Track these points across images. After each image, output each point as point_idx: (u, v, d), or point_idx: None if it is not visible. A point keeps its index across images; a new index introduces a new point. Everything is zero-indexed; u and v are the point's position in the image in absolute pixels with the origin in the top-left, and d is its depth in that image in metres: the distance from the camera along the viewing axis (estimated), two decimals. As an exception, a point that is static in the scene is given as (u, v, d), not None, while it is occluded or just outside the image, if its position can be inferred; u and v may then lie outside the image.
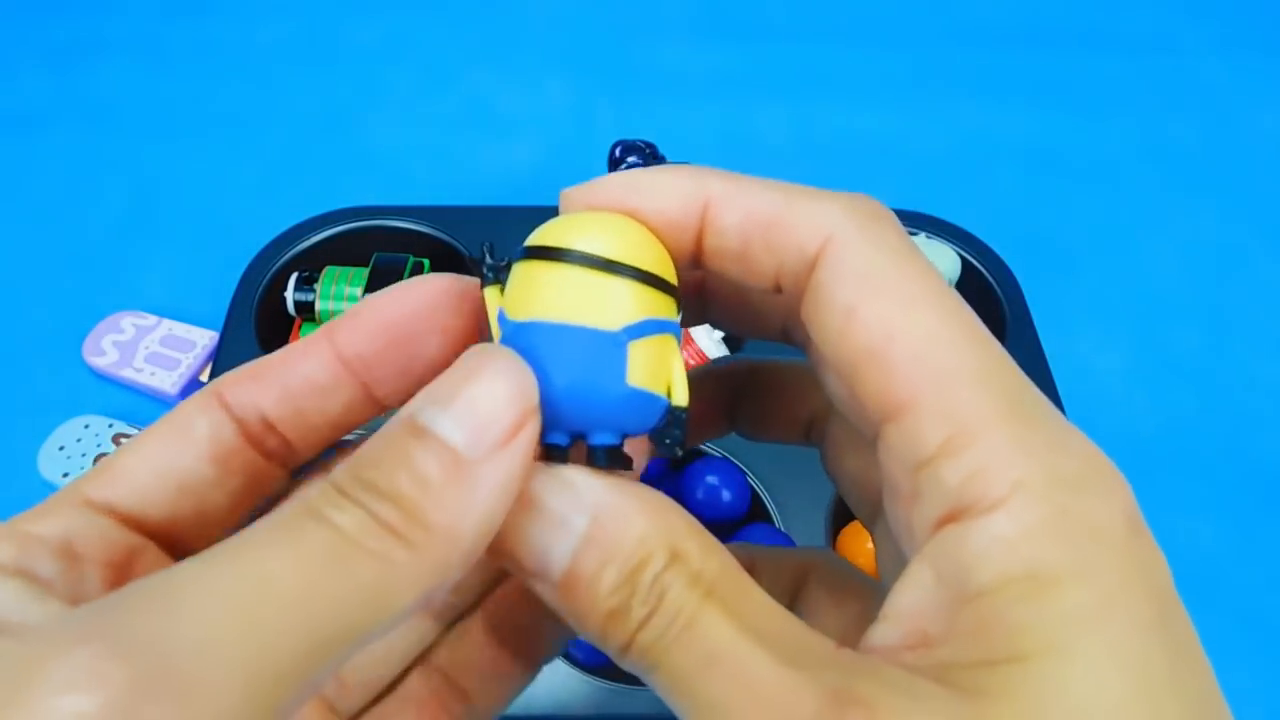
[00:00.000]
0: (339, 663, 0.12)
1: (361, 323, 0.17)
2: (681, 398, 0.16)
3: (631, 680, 0.42)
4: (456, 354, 0.15)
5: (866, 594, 0.18)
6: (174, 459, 0.16)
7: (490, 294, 0.17)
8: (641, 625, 0.14)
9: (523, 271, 0.16)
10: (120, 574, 0.15)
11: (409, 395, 0.14)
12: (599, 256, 0.16)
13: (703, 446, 0.49)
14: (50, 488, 0.53)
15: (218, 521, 0.17)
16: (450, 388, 0.14)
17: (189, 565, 0.12)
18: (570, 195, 0.17)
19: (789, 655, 0.14)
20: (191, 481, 0.16)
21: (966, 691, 0.13)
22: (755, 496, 0.47)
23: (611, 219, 0.17)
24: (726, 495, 0.45)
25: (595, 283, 0.16)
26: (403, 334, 0.17)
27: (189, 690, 0.11)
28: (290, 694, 0.12)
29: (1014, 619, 0.13)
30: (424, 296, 0.17)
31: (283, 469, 0.17)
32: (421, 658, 0.19)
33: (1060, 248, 0.66)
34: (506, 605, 0.19)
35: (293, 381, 0.17)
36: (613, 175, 0.17)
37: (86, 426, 0.54)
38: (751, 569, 0.16)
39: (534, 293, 0.16)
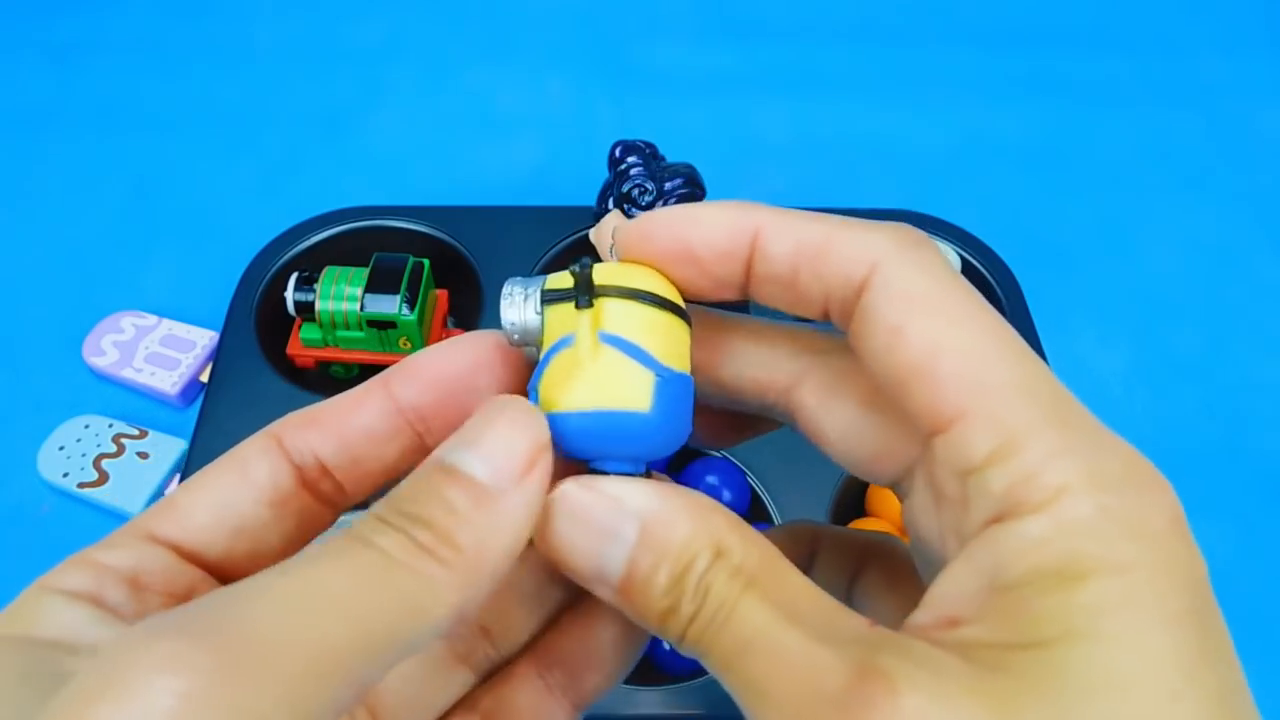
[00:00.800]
0: (385, 667, 0.14)
1: (417, 375, 0.19)
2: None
3: (632, 680, 0.42)
4: None
5: (921, 582, 0.19)
6: (232, 500, 0.18)
7: (583, 316, 0.18)
8: (691, 620, 0.16)
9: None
10: (189, 599, 0.16)
11: None
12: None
13: (703, 446, 0.49)
14: (50, 487, 0.53)
15: (270, 560, 0.18)
16: (473, 432, 0.16)
17: (256, 578, 0.14)
18: (627, 233, 0.18)
19: (821, 633, 0.15)
20: (248, 523, 0.18)
21: (987, 667, 0.14)
22: (755, 496, 0.47)
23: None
24: (726, 495, 0.45)
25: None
26: (455, 387, 0.19)
27: (262, 675, 0.13)
28: (343, 687, 0.13)
29: (1042, 606, 0.14)
30: (474, 352, 0.19)
31: (333, 511, 0.19)
32: (462, 702, 0.20)
33: (1060, 248, 0.66)
34: (554, 649, 0.20)
35: (350, 430, 0.18)
36: (662, 210, 0.18)
37: (87, 427, 0.54)
38: (816, 548, 0.19)
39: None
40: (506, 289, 0.19)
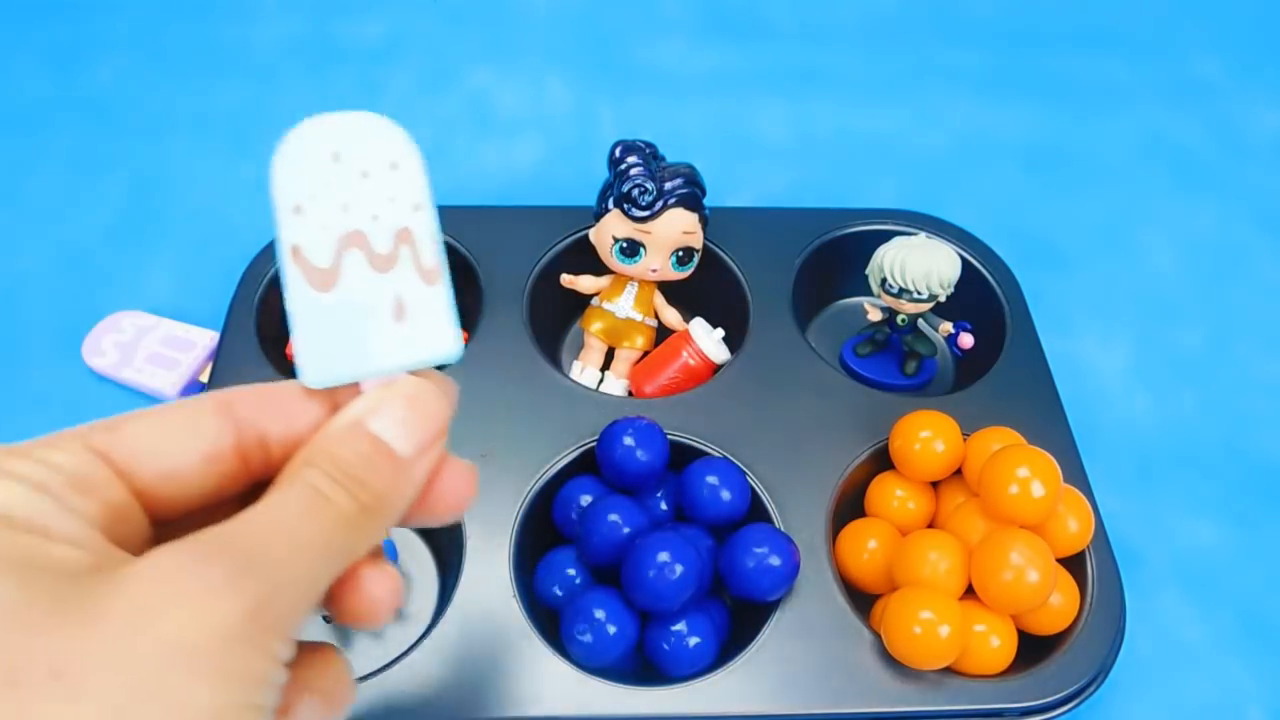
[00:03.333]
0: (329, 579, 0.20)
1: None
2: None
3: (632, 680, 0.42)
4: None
5: None
6: (174, 444, 0.21)
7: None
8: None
9: None
10: (117, 517, 0.19)
11: None
12: None
13: (703, 446, 0.49)
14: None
15: (186, 504, 0.21)
16: (397, 410, 0.22)
17: (261, 517, 0.19)
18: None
19: None
20: (180, 469, 0.21)
21: None
22: (755, 496, 0.47)
23: None
24: (726, 495, 0.45)
25: None
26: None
27: (279, 592, 0.18)
28: (317, 594, 0.20)
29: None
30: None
31: (252, 478, 0.22)
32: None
33: (1060, 248, 0.66)
34: None
35: (299, 419, 0.22)
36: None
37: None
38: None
39: None
40: None
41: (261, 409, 0.22)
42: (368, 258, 0.23)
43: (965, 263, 0.56)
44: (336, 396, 0.23)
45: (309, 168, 0.23)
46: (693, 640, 0.42)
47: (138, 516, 0.20)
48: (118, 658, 0.16)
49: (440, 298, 0.23)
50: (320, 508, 0.20)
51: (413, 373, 0.23)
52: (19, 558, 0.17)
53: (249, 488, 0.22)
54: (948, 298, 0.53)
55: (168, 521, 0.21)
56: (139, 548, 0.19)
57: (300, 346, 0.23)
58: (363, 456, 0.21)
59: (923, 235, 0.54)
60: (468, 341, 0.54)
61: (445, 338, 0.23)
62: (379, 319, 0.23)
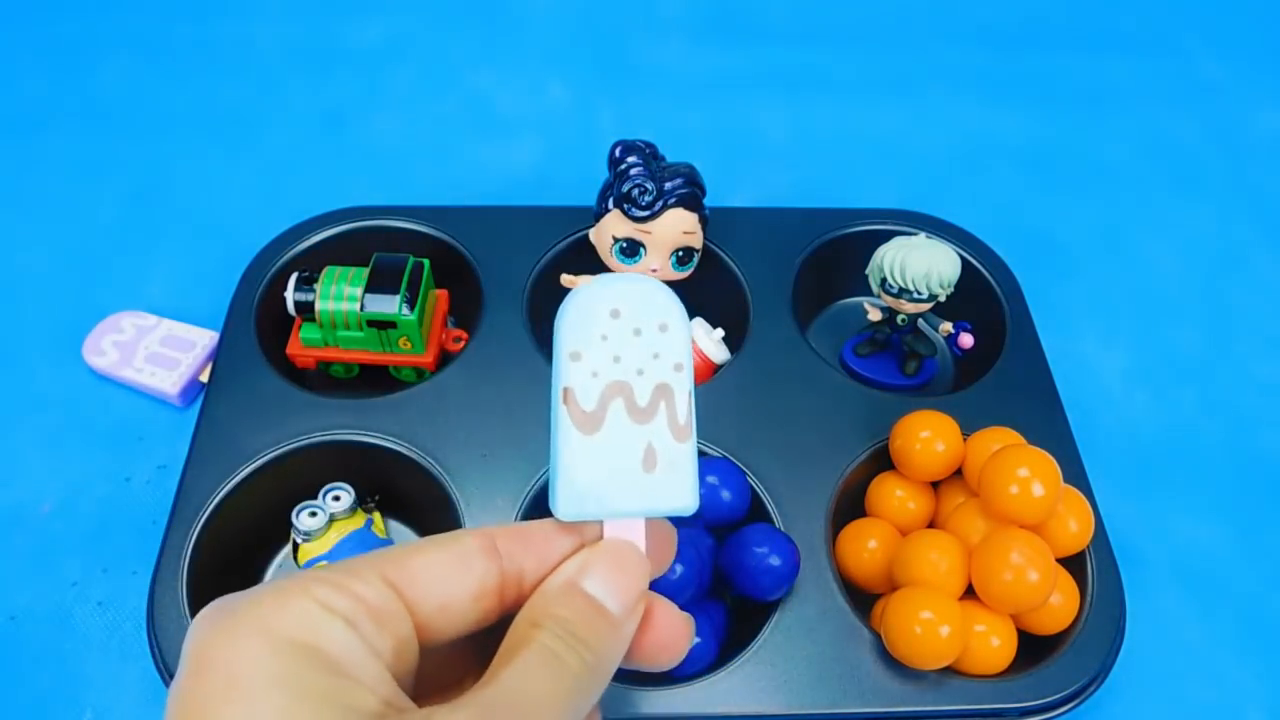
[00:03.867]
0: None
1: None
2: None
3: (632, 680, 0.42)
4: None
5: None
6: (450, 582, 0.22)
7: None
8: None
9: None
10: (403, 650, 0.21)
11: None
12: None
13: (703, 446, 0.49)
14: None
15: (448, 637, 0.23)
16: (609, 575, 0.24)
17: (505, 683, 0.21)
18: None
19: None
20: (453, 604, 0.22)
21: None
22: (755, 496, 0.47)
23: None
24: (726, 495, 0.45)
25: None
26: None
27: None
28: None
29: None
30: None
31: (504, 611, 0.24)
32: None
33: (1060, 248, 0.66)
34: None
35: (552, 555, 0.24)
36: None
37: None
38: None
39: None
40: None
41: (521, 546, 0.24)
42: (628, 408, 0.25)
43: (965, 263, 0.56)
44: (585, 535, 0.24)
45: (592, 320, 0.25)
46: (693, 640, 0.42)
47: (414, 649, 0.22)
48: None
49: (687, 454, 0.25)
50: (558, 670, 0.22)
51: (648, 520, 0.25)
52: (334, 701, 0.19)
53: (500, 620, 0.24)
54: (948, 298, 0.53)
55: (429, 650, 0.23)
56: (408, 678, 0.21)
57: (558, 480, 0.25)
58: (583, 616, 0.23)
59: (923, 235, 0.54)
60: (468, 341, 0.54)
61: (686, 492, 0.25)
62: (630, 465, 0.25)
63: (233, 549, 0.47)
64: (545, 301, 0.56)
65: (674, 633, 0.25)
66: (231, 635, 0.19)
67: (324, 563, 0.47)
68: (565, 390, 0.25)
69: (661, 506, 0.25)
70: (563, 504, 0.24)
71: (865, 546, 0.46)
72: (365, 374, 0.56)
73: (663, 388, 0.25)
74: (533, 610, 0.23)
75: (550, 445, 0.25)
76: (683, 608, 0.42)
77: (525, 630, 0.22)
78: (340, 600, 0.20)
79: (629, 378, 0.25)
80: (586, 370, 0.25)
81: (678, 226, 0.52)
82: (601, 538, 0.24)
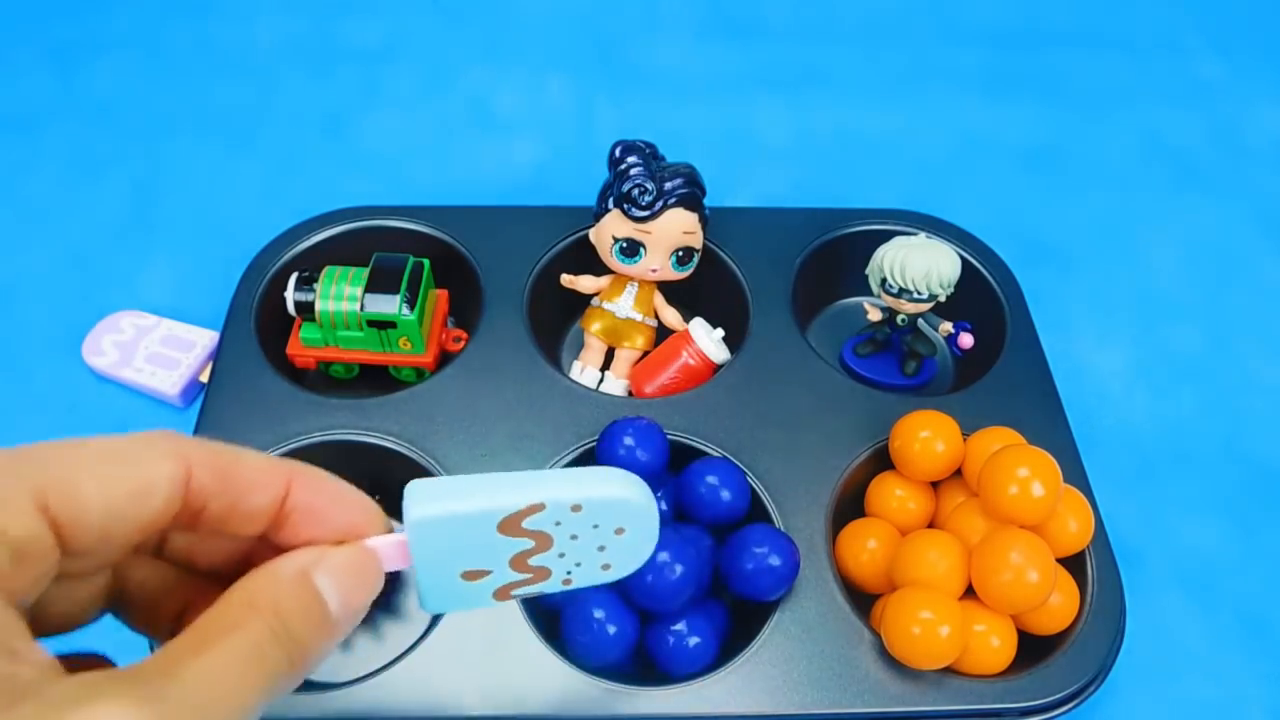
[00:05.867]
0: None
1: (317, 513, 0.23)
2: None
3: (632, 681, 0.42)
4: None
5: None
6: (119, 515, 0.20)
7: None
8: None
9: None
10: (37, 585, 0.19)
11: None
12: None
13: (702, 446, 0.49)
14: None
15: (94, 563, 0.21)
16: (342, 577, 0.22)
17: (176, 653, 0.19)
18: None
19: None
20: (114, 538, 0.20)
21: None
22: (755, 496, 0.47)
23: None
24: (726, 495, 0.45)
25: None
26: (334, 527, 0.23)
27: None
28: None
29: None
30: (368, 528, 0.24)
31: (172, 528, 0.22)
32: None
33: (1060, 248, 0.66)
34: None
35: (251, 502, 0.22)
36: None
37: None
38: None
39: None
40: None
41: (219, 486, 0.21)
42: (522, 553, 0.25)
43: (965, 263, 0.56)
44: (292, 482, 0.22)
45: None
46: (693, 640, 0.42)
47: (48, 582, 0.19)
48: None
49: (478, 600, 0.25)
50: (259, 666, 0.19)
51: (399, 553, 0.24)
52: None
53: (162, 535, 0.22)
54: (948, 298, 0.53)
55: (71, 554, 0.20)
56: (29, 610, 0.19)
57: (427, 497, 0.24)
58: (306, 612, 0.21)
59: (923, 235, 0.54)
60: (468, 342, 0.54)
61: (426, 599, 0.25)
62: (464, 566, 0.25)
63: (233, 549, 0.47)
64: (545, 301, 0.56)
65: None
66: None
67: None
68: (516, 514, 0.24)
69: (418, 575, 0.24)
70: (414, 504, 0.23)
71: (865, 546, 0.46)
72: (365, 374, 0.56)
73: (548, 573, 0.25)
74: (253, 592, 0.21)
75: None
76: (683, 608, 0.42)
77: (238, 612, 0.20)
78: None
79: (561, 547, 0.25)
80: (548, 519, 0.24)
81: (678, 226, 0.52)
82: (337, 542, 0.23)
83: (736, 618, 0.46)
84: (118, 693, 0.17)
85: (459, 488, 0.24)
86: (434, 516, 0.23)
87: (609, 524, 0.25)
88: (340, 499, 0.23)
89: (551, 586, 0.26)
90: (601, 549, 0.25)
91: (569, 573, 0.25)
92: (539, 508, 0.24)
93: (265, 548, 0.23)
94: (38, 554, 0.18)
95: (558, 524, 0.24)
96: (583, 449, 0.49)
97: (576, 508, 0.24)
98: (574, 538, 0.25)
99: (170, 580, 0.24)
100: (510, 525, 0.24)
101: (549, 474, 0.25)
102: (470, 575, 0.24)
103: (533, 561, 0.25)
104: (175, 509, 0.20)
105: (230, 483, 0.21)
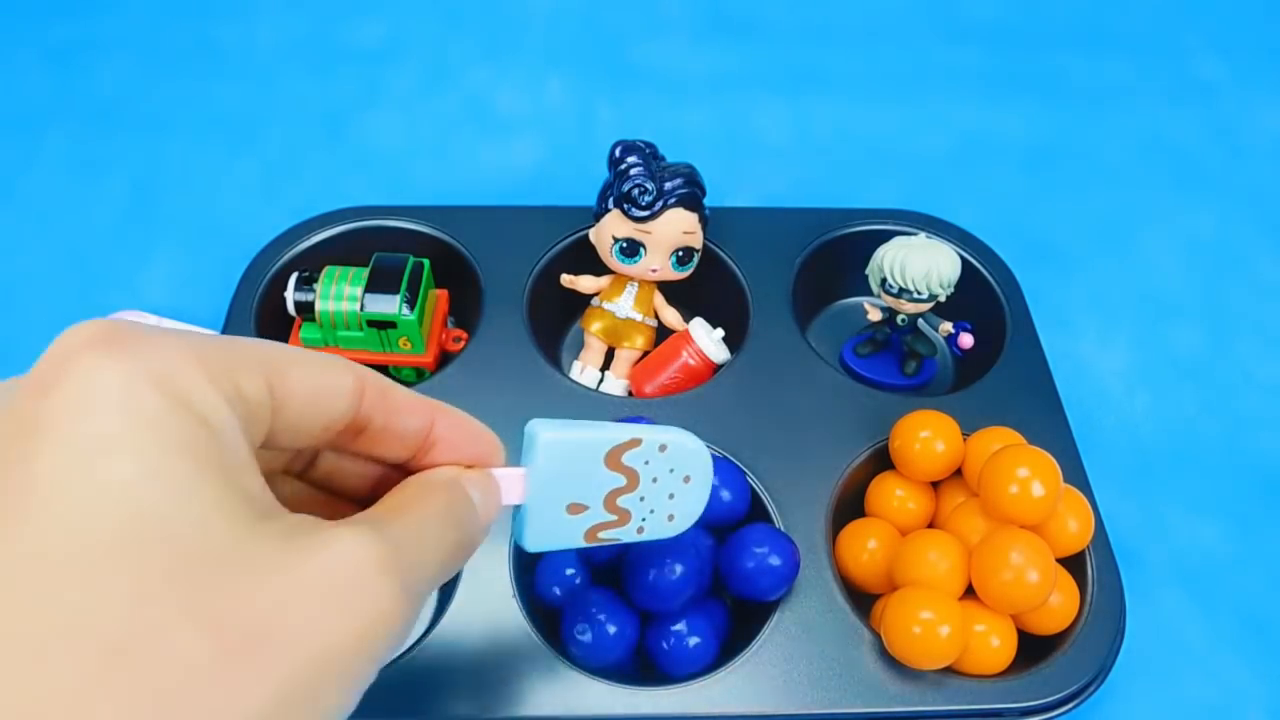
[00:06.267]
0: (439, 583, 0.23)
1: (458, 445, 0.26)
2: None
3: (632, 680, 0.42)
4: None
5: None
6: (312, 409, 0.21)
7: None
8: None
9: None
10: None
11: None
12: None
13: (703, 446, 0.49)
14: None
15: (279, 460, 0.25)
16: (488, 489, 0.25)
17: (403, 529, 0.21)
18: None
19: None
20: (302, 431, 0.22)
21: None
22: (755, 496, 0.47)
23: None
24: (726, 495, 0.45)
25: None
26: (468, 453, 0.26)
27: (419, 596, 0.21)
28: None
29: None
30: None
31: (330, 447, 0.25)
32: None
33: (1060, 248, 0.66)
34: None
35: (402, 424, 0.24)
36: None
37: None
38: None
39: None
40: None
41: (381, 403, 0.23)
42: (616, 497, 0.28)
43: (965, 263, 0.56)
44: (436, 415, 0.25)
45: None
46: (693, 640, 0.42)
47: (264, 432, 0.21)
48: (307, 633, 0.18)
49: (576, 537, 0.29)
50: (454, 524, 0.23)
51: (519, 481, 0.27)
52: (218, 465, 0.18)
53: (314, 453, 0.25)
54: (948, 298, 0.53)
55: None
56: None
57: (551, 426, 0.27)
58: (467, 501, 0.24)
59: (923, 235, 0.54)
60: (468, 342, 0.54)
61: (530, 537, 0.28)
62: (570, 498, 0.28)
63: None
64: (545, 301, 0.56)
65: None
66: (107, 356, 0.18)
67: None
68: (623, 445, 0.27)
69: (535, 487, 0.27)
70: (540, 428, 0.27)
71: (865, 546, 0.46)
72: (365, 374, 0.55)
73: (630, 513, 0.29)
74: (425, 479, 0.24)
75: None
76: (683, 608, 0.42)
77: (420, 490, 0.23)
78: (227, 385, 0.19)
79: (644, 489, 0.28)
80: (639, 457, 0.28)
81: (678, 226, 0.52)
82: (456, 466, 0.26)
83: (736, 618, 0.46)
84: (351, 523, 0.20)
85: (571, 423, 0.27)
86: (563, 439, 0.26)
87: (681, 470, 0.29)
88: (476, 435, 0.26)
89: (628, 534, 0.29)
90: (671, 497, 0.29)
91: (644, 520, 0.29)
92: (636, 442, 0.27)
93: (399, 478, 0.25)
94: (261, 420, 0.20)
95: (646, 463, 0.28)
96: (583, 449, 0.49)
97: (663, 447, 0.28)
98: (654, 480, 0.28)
99: (308, 502, 0.26)
100: (613, 458, 0.27)
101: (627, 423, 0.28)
102: (573, 509, 0.27)
103: (620, 502, 0.28)
104: (350, 418, 0.23)
105: (391, 405, 0.24)
